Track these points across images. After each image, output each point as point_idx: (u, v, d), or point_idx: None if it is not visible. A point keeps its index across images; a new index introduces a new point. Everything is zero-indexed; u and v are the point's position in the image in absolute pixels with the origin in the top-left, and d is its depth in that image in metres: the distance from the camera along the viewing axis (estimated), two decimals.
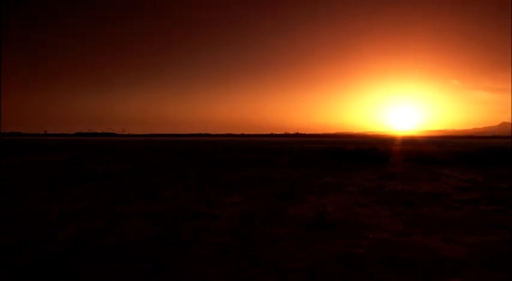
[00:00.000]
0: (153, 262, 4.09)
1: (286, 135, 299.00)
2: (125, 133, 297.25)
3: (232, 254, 4.32)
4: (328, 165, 17.36)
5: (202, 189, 9.67)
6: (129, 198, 8.31)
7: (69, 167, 15.98)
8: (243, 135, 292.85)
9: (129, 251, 4.45)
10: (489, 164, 16.99)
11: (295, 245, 4.69)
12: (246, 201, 7.94)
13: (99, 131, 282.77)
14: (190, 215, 6.49)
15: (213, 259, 4.21)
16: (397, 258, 4.19)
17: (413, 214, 6.67)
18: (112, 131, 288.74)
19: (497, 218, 6.37)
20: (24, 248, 4.62)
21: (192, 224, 5.83)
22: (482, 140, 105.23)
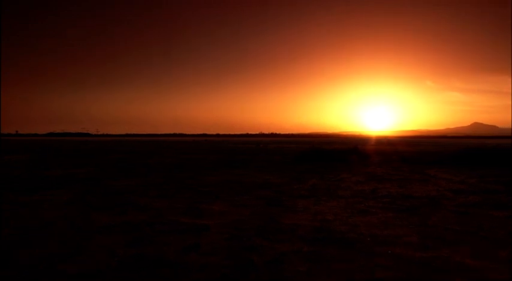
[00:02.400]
0: None
1: (261, 135, 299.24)
2: (99, 133, 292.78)
3: None
4: (311, 166, 16.70)
5: (185, 194, 8.75)
6: (100, 205, 7.30)
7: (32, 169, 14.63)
8: (218, 135, 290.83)
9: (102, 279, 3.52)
10: (473, 165, 16.79)
11: (304, 265, 3.88)
12: (233, 209, 7.08)
13: (73, 131, 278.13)
14: (173, 227, 5.58)
15: None
16: None
17: (423, 222, 6.00)
18: (86, 131, 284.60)
19: None
20: None
21: (177, 239, 4.93)
22: (456, 140, 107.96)
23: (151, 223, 5.82)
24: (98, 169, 15.18)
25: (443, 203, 7.69)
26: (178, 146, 47.37)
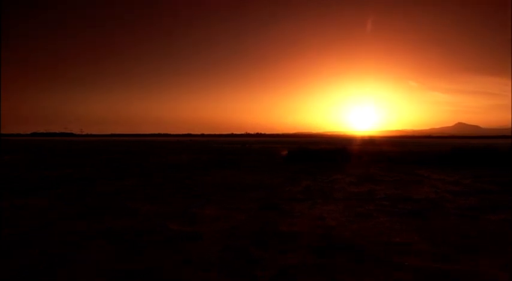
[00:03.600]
0: None
1: (247, 135, 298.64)
2: (83, 133, 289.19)
3: None
4: (302, 166, 16.36)
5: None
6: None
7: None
8: (202, 135, 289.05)
9: None
10: (463, 165, 16.72)
11: None
12: (227, 214, 6.61)
13: (57, 131, 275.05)
14: (163, 236, 5.10)
15: None
16: None
17: (430, 227, 5.65)
18: (70, 131, 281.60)
19: None
20: None
21: (168, 250, 4.46)
22: (441, 140, 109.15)
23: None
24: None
25: (445, 206, 7.38)
26: (171, 146, 46.64)
